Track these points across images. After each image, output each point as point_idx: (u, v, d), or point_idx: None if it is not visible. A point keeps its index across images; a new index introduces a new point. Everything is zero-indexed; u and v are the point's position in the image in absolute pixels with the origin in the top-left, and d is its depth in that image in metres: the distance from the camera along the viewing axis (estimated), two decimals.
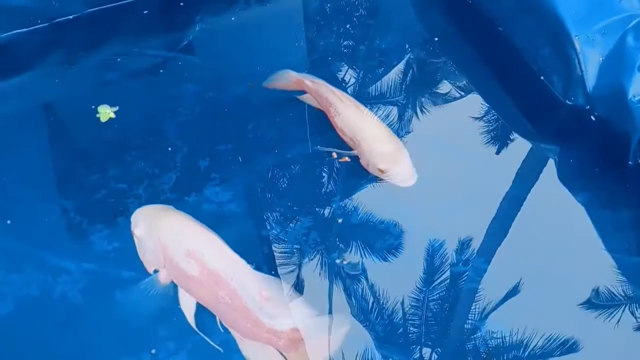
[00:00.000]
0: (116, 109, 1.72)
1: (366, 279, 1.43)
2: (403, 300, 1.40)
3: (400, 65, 1.97)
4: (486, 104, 1.85)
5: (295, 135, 1.73)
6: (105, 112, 1.71)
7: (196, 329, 1.30)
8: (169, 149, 1.68)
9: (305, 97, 1.74)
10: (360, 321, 1.38)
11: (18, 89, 1.85)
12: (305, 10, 2.14)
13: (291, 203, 1.59)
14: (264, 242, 1.51)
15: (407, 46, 2.06)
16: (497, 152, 1.74)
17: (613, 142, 1.66)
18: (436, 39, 2.07)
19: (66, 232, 1.53)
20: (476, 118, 1.82)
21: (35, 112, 1.82)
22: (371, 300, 1.40)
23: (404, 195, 1.57)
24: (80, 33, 1.93)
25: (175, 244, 1.32)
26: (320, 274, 1.44)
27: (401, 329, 1.37)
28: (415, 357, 1.33)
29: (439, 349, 1.35)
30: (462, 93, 1.89)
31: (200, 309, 1.32)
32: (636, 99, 1.58)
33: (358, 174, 1.60)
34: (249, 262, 1.33)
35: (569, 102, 1.77)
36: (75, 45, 1.91)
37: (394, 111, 1.81)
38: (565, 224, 1.57)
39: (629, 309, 1.40)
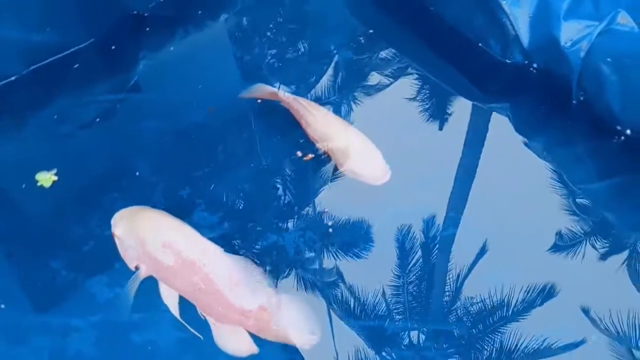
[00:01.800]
0: (55, 171, 1.66)
1: (343, 281, 1.46)
2: (384, 291, 1.43)
3: (335, 64, 2.03)
4: (423, 84, 1.94)
5: (265, 145, 1.76)
6: (46, 178, 1.66)
7: (179, 319, 1.34)
8: (146, 187, 1.66)
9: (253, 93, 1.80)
10: (347, 324, 1.39)
11: None
12: (240, 29, 2.17)
13: (272, 212, 1.61)
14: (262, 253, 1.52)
15: (343, 43, 2.12)
16: (442, 126, 1.82)
17: (555, 87, 1.79)
18: (371, 30, 2.15)
19: (64, 292, 1.48)
20: (412, 99, 1.89)
21: None
22: (352, 301, 1.42)
23: (361, 190, 1.60)
24: (25, 92, 1.88)
25: (152, 238, 1.40)
26: (297, 289, 1.44)
27: (387, 320, 1.40)
28: (405, 344, 1.36)
29: (424, 329, 1.38)
30: (392, 79, 1.96)
31: (182, 301, 1.36)
32: (567, 44, 1.72)
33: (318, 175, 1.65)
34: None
35: (509, 61, 1.89)
36: (23, 105, 1.87)
37: (333, 111, 1.85)
38: (524, 172, 1.67)
39: (589, 242, 1.49)
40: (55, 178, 1.66)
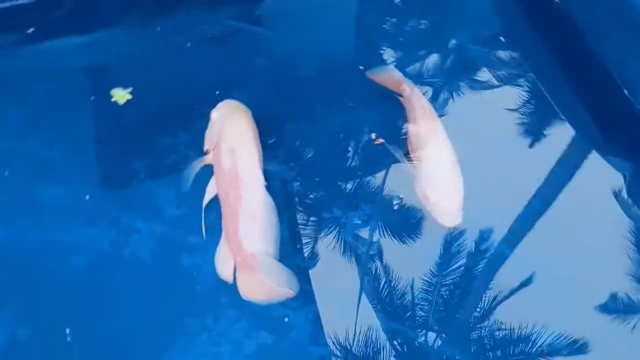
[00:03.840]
0: (130, 89, 1.74)
1: (380, 258, 1.47)
2: (414, 283, 1.43)
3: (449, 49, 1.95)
4: (532, 98, 1.83)
5: (359, 120, 1.76)
6: (121, 95, 1.73)
7: (202, 210, 1.48)
8: None
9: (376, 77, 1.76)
10: (369, 299, 1.43)
11: (96, 44, 1.90)
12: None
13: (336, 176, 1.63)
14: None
15: (468, 34, 2.04)
16: (533, 144, 1.72)
17: None
18: (502, 38, 2.04)
19: (137, 193, 1.60)
20: (514, 109, 1.79)
21: (111, 67, 1.87)
22: (383, 280, 1.44)
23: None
24: None
25: (228, 136, 1.56)
26: (335, 247, 1.49)
27: (410, 312, 1.42)
28: (420, 341, 1.38)
29: (443, 335, 1.39)
30: (502, 83, 1.87)
31: None
32: None
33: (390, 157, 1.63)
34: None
35: None
36: (151, 8, 1.94)
37: (432, 93, 1.80)
38: (602, 224, 1.58)
39: None
40: (130, 97, 1.73)
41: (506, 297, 1.44)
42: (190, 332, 1.38)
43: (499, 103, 1.82)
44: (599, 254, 1.51)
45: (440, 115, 1.72)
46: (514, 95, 1.84)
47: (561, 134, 1.78)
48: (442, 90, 1.84)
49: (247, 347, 1.37)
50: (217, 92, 1.72)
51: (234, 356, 1.35)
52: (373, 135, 1.70)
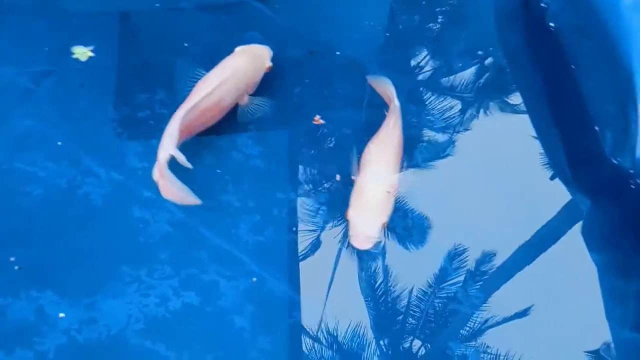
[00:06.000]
0: (91, 48, 1.80)
1: (383, 259, 1.49)
2: (411, 290, 1.44)
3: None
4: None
5: (338, 104, 1.78)
6: (82, 52, 1.79)
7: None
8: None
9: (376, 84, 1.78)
10: (364, 297, 1.44)
11: None
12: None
13: (321, 168, 1.66)
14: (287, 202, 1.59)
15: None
16: (551, 178, 1.70)
17: None
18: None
19: (104, 140, 1.65)
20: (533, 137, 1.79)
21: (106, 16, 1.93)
22: (380, 279, 1.46)
23: (447, 190, 1.60)
24: None
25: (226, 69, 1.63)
26: (339, 240, 1.51)
27: (401, 316, 1.43)
28: (405, 346, 1.39)
29: (429, 345, 1.40)
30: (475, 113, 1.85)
31: None
32: None
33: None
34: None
35: (615, 161, 1.70)
36: None
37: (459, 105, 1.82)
38: (570, 280, 1.53)
39: None
40: (91, 54, 1.78)
41: (498, 323, 1.43)
42: (122, 279, 1.43)
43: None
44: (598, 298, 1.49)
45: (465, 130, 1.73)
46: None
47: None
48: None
49: (172, 303, 1.41)
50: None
51: (159, 309, 1.40)
52: (317, 117, 1.72)
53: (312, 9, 2.05)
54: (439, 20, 2.11)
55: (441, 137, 1.76)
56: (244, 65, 1.67)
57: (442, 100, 1.84)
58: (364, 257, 1.50)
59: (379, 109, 1.75)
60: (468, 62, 1.98)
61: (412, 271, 1.47)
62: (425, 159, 1.70)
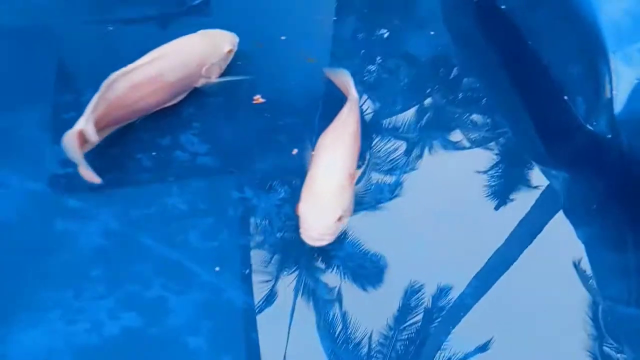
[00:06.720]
0: None
1: (340, 304, 1.29)
2: (371, 335, 1.25)
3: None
4: (495, 157, 1.65)
5: (289, 101, 1.60)
6: None
7: None
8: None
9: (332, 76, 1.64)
10: (324, 347, 1.24)
11: None
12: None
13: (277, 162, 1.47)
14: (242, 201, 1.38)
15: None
16: (496, 208, 1.55)
17: (635, 175, 1.48)
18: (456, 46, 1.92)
19: (22, 146, 1.40)
20: (481, 172, 1.61)
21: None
22: (340, 327, 1.26)
23: (398, 230, 1.43)
24: None
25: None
26: (294, 289, 1.29)
27: None
28: None
29: None
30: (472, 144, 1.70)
31: None
32: None
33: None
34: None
35: (590, 127, 1.59)
36: None
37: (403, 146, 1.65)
38: (554, 268, 1.39)
39: None
40: None
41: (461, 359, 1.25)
42: (42, 304, 1.15)
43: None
44: (559, 326, 1.31)
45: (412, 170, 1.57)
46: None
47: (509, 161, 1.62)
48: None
49: (107, 329, 1.13)
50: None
51: (90, 337, 1.11)
52: (257, 96, 1.56)
53: (257, 6, 1.89)
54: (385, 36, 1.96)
55: (389, 179, 1.56)
56: (197, 45, 1.53)
57: (387, 142, 1.66)
58: (319, 301, 1.28)
59: (339, 101, 1.57)
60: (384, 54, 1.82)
61: (370, 314, 1.29)
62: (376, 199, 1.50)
